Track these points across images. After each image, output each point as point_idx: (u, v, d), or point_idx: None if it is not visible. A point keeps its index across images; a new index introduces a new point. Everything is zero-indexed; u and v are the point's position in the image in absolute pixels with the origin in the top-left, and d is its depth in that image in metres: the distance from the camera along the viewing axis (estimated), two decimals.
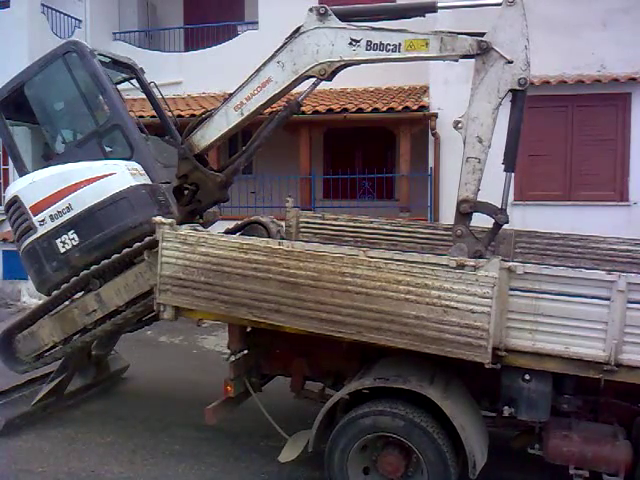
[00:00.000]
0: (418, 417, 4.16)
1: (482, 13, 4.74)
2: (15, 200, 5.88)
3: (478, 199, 4.59)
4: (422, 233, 6.43)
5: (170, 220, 4.86)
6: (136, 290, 5.47)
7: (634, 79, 9.69)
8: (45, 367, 6.20)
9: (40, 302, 6.17)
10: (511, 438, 4.80)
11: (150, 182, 5.69)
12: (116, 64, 6.52)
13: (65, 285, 5.70)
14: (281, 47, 4.99)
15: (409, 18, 4.97)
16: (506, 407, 4.24)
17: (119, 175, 5.57)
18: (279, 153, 11.60)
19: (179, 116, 10.28)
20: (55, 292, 5.78)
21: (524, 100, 4.56)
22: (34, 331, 5.91)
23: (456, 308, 3.93)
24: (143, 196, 5.59)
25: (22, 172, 6.14)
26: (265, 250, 4.45)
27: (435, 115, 10.52)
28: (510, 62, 4.43)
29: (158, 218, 4.89)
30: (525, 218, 8.82)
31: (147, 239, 5.37)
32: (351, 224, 6.57)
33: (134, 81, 6.91)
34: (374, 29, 4.74)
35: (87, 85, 5.86)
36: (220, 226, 6.34)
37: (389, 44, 4.68)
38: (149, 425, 6.08)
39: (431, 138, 10.73)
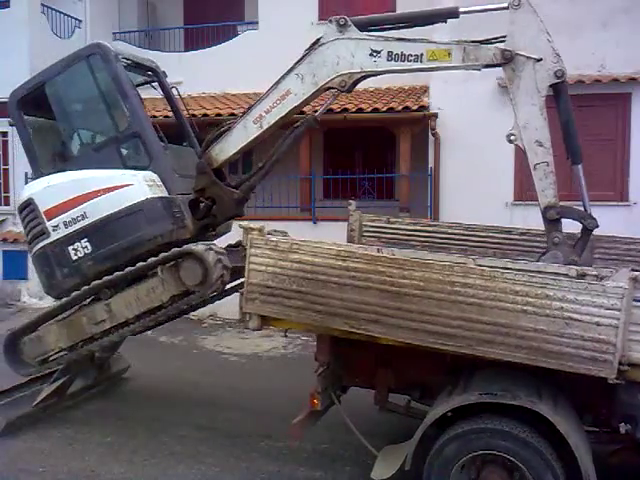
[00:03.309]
0: (544, 447, 3.88)
1: (487, 15, 4.72)
2: (30, 202, 5.85)
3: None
4: (495, 238, 6.16)
5: (259, 225, 4.67)
6: (147, 304, 5.45)
7: (634, 79, 9.69)
8: None
9: (46, 306, 6.15)
10: (608, 453, 4.51)
11: (167, 194, 5.60)
12: (138, 67, 6.43)
13: (76, 292, 5.67)
14: (300, 59, 4.93)
15: (431, 25, 4.90)
16: (622, 424, 4.02)
17: (136, 186, 5.50)
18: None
19: None
20: (65, 299, 5.75)
21: (566, 90, 4.54)
22: (41, 335, 5.90)
23: (580, 320, 3.69)
24: (159, 209, 5.51)
25: (37, 173, 6.09)
26: (366, 258, 4.23)
27: (435, 115, 10.51)
28: (539, 60, 4.41)
29: (246, 223, 4.71)
30: (526, 218, 8.77)
31: (161, 255, 5.33)
32: (417, 228, 6.40)
33: (155, 84, 6.81)
34: (395, 39, 4.65)
35: (109, 89, 5.78)
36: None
37: (411, 54, 4.61)
38: (149, 425, 6.08)
39: (431, 138, 10.72)
